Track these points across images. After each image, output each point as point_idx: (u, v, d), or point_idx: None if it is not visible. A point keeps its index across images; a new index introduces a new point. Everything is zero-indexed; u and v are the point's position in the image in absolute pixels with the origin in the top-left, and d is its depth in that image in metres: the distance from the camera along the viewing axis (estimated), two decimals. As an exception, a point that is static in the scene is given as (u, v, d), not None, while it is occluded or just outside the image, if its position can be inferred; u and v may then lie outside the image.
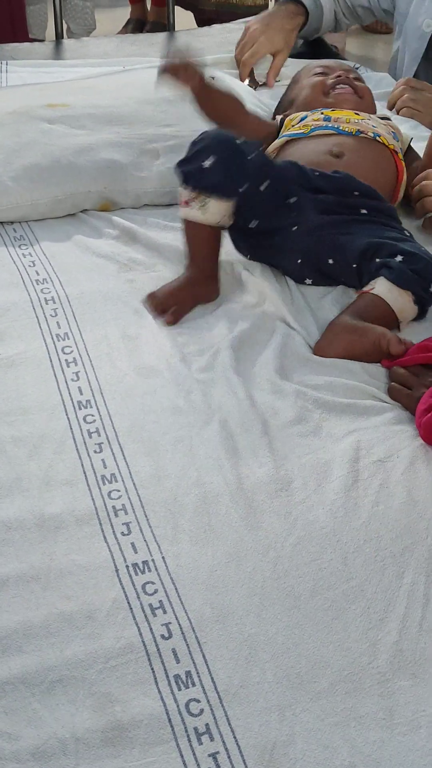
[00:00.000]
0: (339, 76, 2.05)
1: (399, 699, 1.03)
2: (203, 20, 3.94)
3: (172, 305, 1.63)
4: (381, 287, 1.60)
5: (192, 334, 1.57)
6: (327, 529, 1.21)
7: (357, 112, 1.96)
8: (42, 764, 0.96)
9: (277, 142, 1.94)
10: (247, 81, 2.45)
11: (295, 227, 1.69)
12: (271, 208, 1.68)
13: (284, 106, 2.11)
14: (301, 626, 1.10)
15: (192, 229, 1.69)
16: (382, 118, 2.00)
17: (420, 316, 1.63)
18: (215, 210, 1.65)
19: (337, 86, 2.04)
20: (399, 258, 1.61)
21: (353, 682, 1.04)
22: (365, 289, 1.62)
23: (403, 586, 1.14)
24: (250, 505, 1.25)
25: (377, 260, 1.63)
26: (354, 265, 1.67)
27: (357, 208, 1.74)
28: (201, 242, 1.70)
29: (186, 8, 4.10)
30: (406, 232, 1.76)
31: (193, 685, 1.04)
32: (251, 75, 2.48)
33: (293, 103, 2.07)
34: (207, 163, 1.63)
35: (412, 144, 2.03)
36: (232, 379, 1.46)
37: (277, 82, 2.45)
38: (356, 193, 1.76)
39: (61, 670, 1.05)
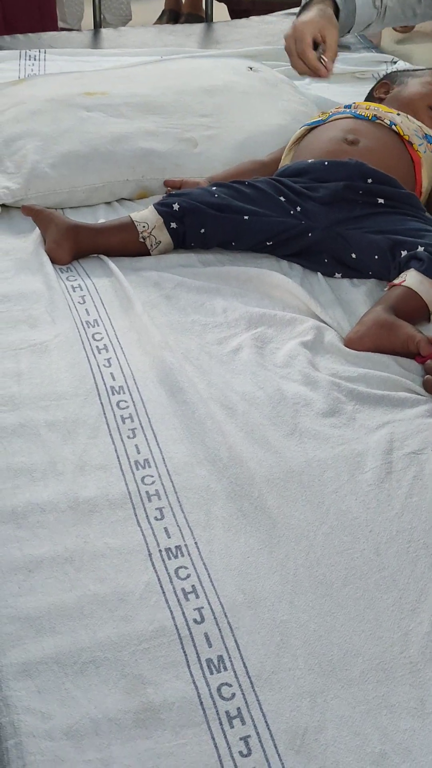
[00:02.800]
0: None
1: (430, 689, 1.03)
2: (237, 12, 3.94)
3: None
4: (412, 279, 1.60)
5: (221, 322, 1.58)
6: (360, 519, 1.21)
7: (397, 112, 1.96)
8: (75, 743, 0.97)
9: (297, 133, 1.97)
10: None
11: (310, 233, 1.72)
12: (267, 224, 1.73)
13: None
14: (333, 614, 1.10)
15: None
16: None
17: (449, 308, 1.63)
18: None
19: None
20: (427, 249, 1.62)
21: (385, 671, 1.05)
22: (396, 281, 1.62)
23: (436, 578, 1.14)
24: (282, 494, 1.25)
25: (404, 252, 1.63)
26: (376, 257, 1.68)
27: (373, 197, 1.74)
28: None
29: (220, 0, 4.10)
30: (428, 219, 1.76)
31: (225, 669, 1.04)
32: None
33: (395, 97, 2.04)
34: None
35: None
36: (265, 367, 1.46)
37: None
38: (369, 180, 1.76)
39: (94, 651, 1.05)
